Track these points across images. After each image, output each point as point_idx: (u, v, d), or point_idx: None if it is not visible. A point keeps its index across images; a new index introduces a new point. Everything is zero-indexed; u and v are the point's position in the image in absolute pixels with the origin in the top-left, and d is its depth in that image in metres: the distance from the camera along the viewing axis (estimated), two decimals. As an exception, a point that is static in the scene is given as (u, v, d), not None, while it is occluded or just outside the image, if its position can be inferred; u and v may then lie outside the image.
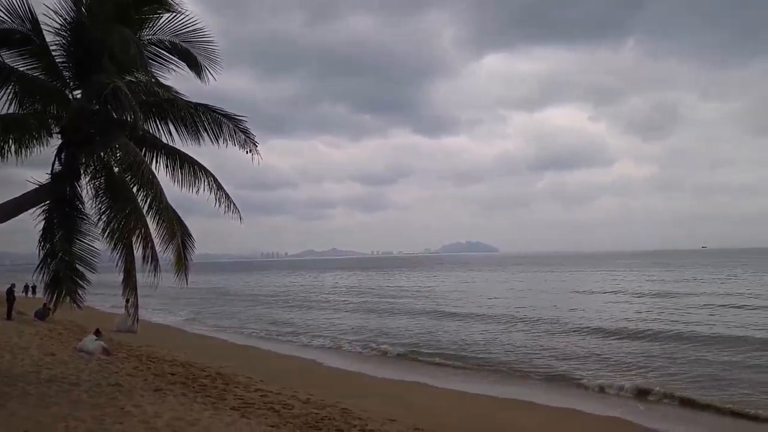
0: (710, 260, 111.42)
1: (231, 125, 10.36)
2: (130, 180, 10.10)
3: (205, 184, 10.57)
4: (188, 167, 10.63)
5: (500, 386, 14.82)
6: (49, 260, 10.45)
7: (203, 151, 10.90)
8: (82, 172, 10.35)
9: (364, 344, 21.75)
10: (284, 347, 21.94)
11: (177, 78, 10.98)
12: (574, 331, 22.41)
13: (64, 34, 9.83)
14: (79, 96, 10.10)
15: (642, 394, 13.35)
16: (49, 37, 9.87)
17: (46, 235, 10.48)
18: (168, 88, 10.56)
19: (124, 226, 9.98)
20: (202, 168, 10.64)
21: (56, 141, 10.01)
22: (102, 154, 10.51)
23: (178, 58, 10.73)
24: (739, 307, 28.84)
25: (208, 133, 10.38)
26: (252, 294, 54.08)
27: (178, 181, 10.65)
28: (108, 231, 10.19)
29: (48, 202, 10.25)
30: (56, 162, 9.93)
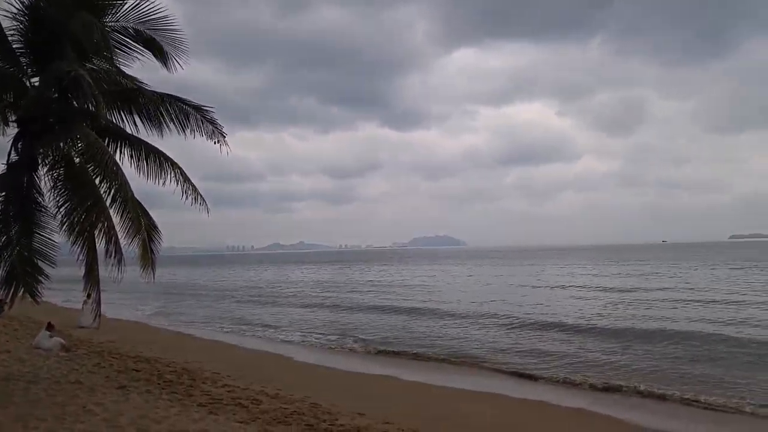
0: (670, 254, 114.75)
1: (198, 116, 10.14)
2: (93, 171, 9.79)
3: (172, 175, 10.32)
4: (154, 158, 10.35)
5: (468, 379, 14.95)
6: (5, 254, 10.06)
7: (167, 142, 10.64)
8: (40, 162, 9.98)
9: (333, 339, 21.69)
10: (252, 342, 21.69)
11: (142, 67, 10.69)
12: (540, 326, 22.62)
13: (22, 19, 9.44)
14: (37, 84, 9.73)
15: (607, 387, 13.60)
16: (6, 23, 9.48)
17: (2, 227, 10.08)
18: (133, 78, 10.28)
19: (86, 219, 9.69)
20: (168, 159, 10.38)
21: (13, 130, 9.64)
22: (62, 144, 10.14)
23: (143, 47, 10.43)
24: (698, 302, 29.65)
25: (174, 124, 10.14)
26: (218, 288, 53.36)
27: (143, 172, 10.38)
28: (68, 224, 9.87)
29: (3, 193, 9.87)
30: (12, 152, 9.56)
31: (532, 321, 23.94)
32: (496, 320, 24.68)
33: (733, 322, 22.46)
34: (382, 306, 32.34)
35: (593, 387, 13.72)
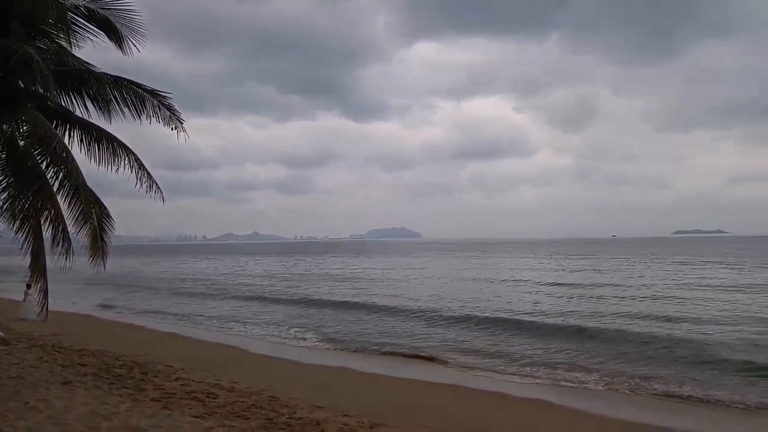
0: (619, 249, 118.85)
1: (155, 101, 9.75)
2: (39, 155, 9.30)
3: (126, 162, 9.89)
4: (107, 144, 9.89)
5: (426, 371, 15.08)
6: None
7: (116, 128, 10.20)
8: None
9: (290, 331, 21.50)
10: (205, 334, 21.26)
11: (95, 49, 10.21)
12: (495, 321, 22.84)
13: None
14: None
15: (565, 379, 14.00)
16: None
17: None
18: (81, 61, 9.81)
19: (31, 205, 9.22)
20: (122, 145, 9.94)
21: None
22: (5, 126, 9.59)
23: (96, 27, 9.95)
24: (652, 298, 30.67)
25: (129, 109, 9.71)
26: (169, 279, 52.05)
27: (95, 158, 9.92)
28: (10, 210, 9.37)
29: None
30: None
31: (487, 315, 24.20)
32: (453, 314, 24.92)
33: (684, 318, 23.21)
34: (339, 299, 32.24)
35: (552, 379, 14.05)
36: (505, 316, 23.78)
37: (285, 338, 20.37)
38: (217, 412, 8.93)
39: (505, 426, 10.21)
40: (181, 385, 10.97)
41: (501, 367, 15.38)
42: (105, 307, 30.27)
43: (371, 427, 8.78)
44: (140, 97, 9.79)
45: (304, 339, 20.05)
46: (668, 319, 22.18)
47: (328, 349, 18.55)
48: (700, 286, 35.19)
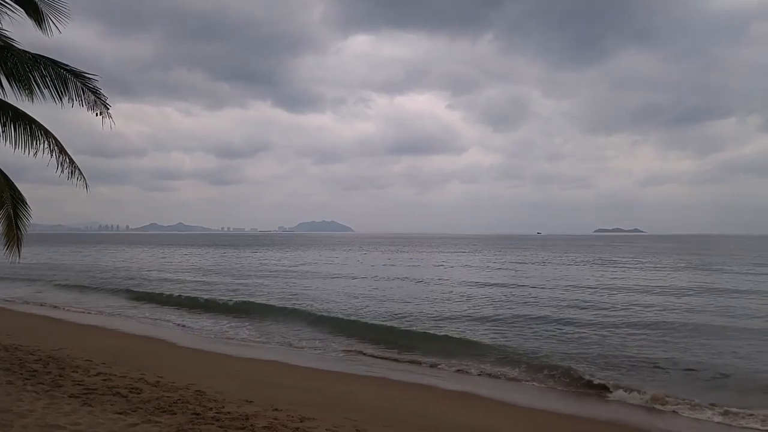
0: (543, 245, 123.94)
1: (79, 83, 9.25)
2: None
3: (45, 145, 9.35)
4: (24, 126, 9.31)
5: (356, 366, 15.18)
6: None
7: (37, 111, 9.63)
8: None
9: (218, 324, 21.02)
10: (131, 327, 20.42)
11: (12, 25, 9.56)
12: (432, 317, 23.18)
13: None
14: None
15: (490, 373, 14.45)
16: None
17: None
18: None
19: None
20: (41, 128, 9.38)
21: None
22: None
23: (14, 2, 9.33)
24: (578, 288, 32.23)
25: (50, 90, 9.16)
26: (89, 269, 49.56)
27: (10, 140, 9.31)
28: None
29: None
30: None
31: (422, 311, 24.53)
32: (385, 309, 25.18)
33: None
34: (270, 290, 31.83)
35: (481, 372, 14.49)
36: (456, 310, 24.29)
37: (214, 332, 19.89)
38: (141, 408, 8.64)
39: (431, 417, 10.47)
40: (103, 380, 10.53)
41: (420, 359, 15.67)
42: (18, 298, 28.47)
43: (301, 421, 8.77)
44: (62, 78, 9.28)
45: (235, 333, 19.67)
46: (592, 313, 23.39)
47: (258, 343, 18.29)
48: (610, 287, 37.23)
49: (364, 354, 16.52)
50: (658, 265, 54.16)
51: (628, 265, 54.22)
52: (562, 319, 21.38)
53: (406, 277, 38.59)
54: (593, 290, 31.29)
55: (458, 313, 22.88)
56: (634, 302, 26.26)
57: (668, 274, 44.04)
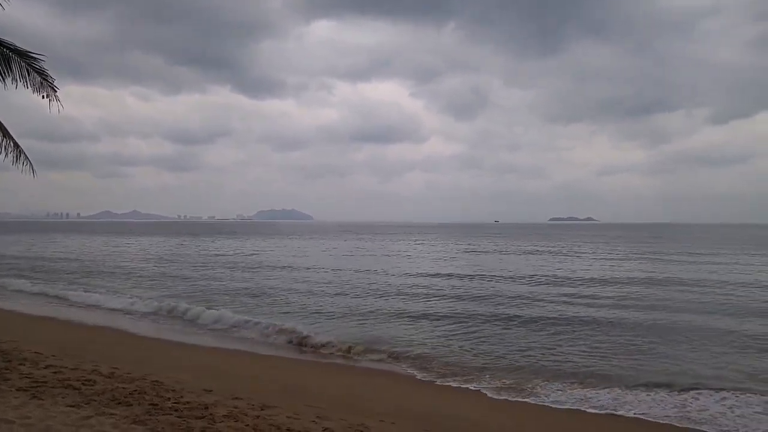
0: (501, 232, 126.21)
1: (24, 63, 8.82)
2: None
3: (-13, 128, 8.91)
4: (-36, 107, 8.85)
5: (312, 354, 15.16)
6: None
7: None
8: None
9: (175, 313, 20.58)
10: (85, 317, 19.79)
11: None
12: (387, 313, 23.15)
13: None
14: None
15: (396, 355, 14.61)
16: None
17: None
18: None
19: None
20: (-17, 110, 8.94)
21: None
22: None
23: (-48, -26, 8.79)
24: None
25: (-8, 69, 8.72)
26: (38, 257, 47.78)
27: (-51, 122, 8.83)
28: None
29: None
30: None
31: (377, 308, 24.54)
32: (341, 299, 25.16)
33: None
34: (228, 278, 31.39)
35: (390, 354, 14.64)
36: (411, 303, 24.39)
37: (172, 320, 19.48)
38: (95, 400, 8.39)
39: (388, 403, 10.56)
40: (53, 372, 10.17)
41: (377, 346, 15.66)
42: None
43: (262, 409, 8.70)
44: (5, 58, 8.84)
45: (192, 322, 19.29)
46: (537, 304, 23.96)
47: (218, 330, 18.02)
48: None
49: (321, 344, 16.41)
50: (591, 253, 55.89)
51: (561, 254, 55.78)
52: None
53: (365, 269, 38.59)
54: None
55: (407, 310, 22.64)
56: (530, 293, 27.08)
57: (590, 263, 45.47)
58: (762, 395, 11.00)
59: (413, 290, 26.66)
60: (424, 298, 24.42)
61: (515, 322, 18.63)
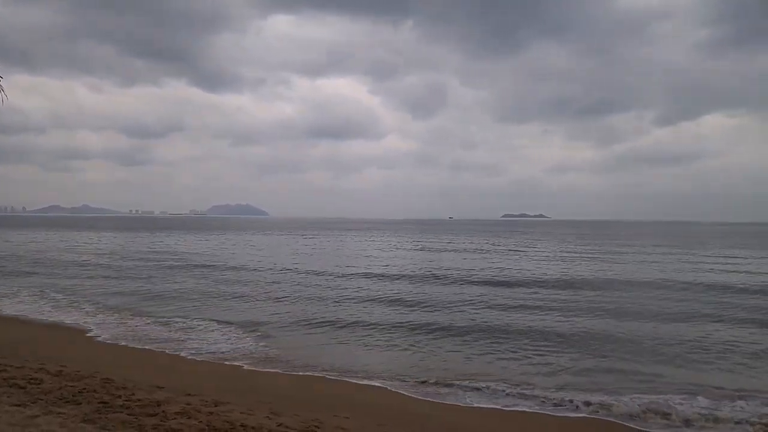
0: (454, 229, 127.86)
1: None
2: None
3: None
4: None
5: (267, 349, 15.14)
6: None
7: None
8: None
9: (126, 310, 20.14)
10: (26, 314, 19.11)
11: None
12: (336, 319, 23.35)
13: None
14: None
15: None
16: None
17: None
18: None
19: None
20: None
21: None
22: None
23: None
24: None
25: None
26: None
27: None
28: None
29: None
30: None
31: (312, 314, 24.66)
32: (301, 291, 25.13)
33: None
34: (184, 273, 30.84)
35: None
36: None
37: (122, 317, 19.02)
38: (42, 399, 8.24)
39: (336, 397, 10.70)
40: (-3, 371, 9.90)
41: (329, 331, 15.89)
42: None
43: (215, 405, 8.71)
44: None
45: (144, 316, 18.90)
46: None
47: (170, 327, 17.71)
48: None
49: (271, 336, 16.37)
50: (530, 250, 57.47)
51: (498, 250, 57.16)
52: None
53: (314, 271, 38.44)
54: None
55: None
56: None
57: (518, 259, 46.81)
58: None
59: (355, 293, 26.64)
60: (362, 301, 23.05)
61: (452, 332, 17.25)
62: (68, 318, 18.69)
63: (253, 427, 7.68)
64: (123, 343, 15.01)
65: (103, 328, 17.08)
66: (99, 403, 8.24)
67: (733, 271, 34.69)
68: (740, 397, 10.89)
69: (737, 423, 9.65)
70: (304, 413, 8.85)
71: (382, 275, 31.51)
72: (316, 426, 8.20)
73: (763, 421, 9.68)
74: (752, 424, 9.58)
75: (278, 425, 7.99)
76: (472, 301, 22.38)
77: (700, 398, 10.76)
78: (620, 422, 9.85)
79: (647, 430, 9.53)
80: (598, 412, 10.30)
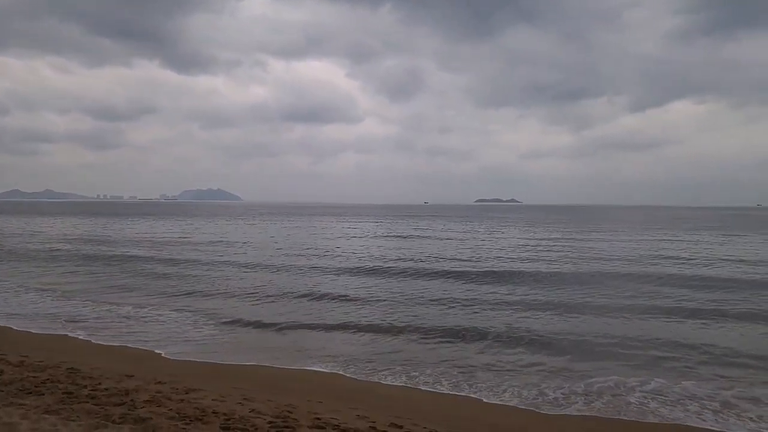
0: (430, 213, 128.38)
1: None
2: None
3: None
4: None
5: (240, 334, 14.96)
6: None
7: None
8: None
9: (91, 299, 19.66)
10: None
11: None
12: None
13: None
14: None
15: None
16: None
17: None
18: None
19: None
20: None
21: None
22: None
23: None
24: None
25: None
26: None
27: None
28: None
29: None
30: None
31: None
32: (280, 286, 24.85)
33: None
34: (150, 261, 30.26)
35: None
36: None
37: (87, 304, 18.54)
38: (2, 390, 7.96)
39: (307, 381, 10.62)
40: (-45, 363, 9.53)
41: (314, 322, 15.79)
42: None
43: (187, 393, 8.53)
44: None
45: (117, 307, 18.45)
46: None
47: (139, 315, 17.33)
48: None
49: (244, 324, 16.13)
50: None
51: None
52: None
53: (287, 266, 38.13)
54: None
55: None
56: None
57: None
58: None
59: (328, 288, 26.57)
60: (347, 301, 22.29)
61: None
62: (32, 306, 18.14)
63: (224, 414, 7.54)
64: (89, 334, 14.63)
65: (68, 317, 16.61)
66: (63, 393, 7.99)
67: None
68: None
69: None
70: (278, 398, 8.73)
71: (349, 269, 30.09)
72: (289, 411, 8.09)
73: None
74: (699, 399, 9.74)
75: (250, 411, 7.85)
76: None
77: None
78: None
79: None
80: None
